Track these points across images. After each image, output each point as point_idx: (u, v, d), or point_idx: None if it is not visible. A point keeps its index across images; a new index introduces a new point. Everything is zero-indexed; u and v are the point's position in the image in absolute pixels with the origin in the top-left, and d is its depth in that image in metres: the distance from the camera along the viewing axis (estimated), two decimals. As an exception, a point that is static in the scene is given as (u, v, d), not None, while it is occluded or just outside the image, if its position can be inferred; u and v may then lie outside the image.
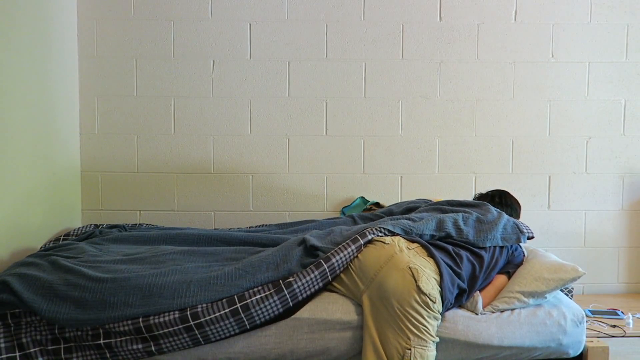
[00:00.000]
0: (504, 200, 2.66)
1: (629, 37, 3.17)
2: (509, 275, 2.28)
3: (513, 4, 3.14)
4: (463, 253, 2.18)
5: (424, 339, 1.95)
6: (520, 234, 2.32)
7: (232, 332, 1.99)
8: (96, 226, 2.79)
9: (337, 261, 2.10)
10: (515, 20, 3.15)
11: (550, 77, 3.17)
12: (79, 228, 2.75)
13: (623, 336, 2.54)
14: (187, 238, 2.59)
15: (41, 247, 2.56)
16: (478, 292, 2.17)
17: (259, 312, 2.00)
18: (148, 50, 3.10)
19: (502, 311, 2.15)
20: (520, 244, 2.38)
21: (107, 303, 1.97)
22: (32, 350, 1.97)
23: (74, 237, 2.66)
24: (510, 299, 2.15)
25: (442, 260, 2.10)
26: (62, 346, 1.98)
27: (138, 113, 3.13)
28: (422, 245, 2.14)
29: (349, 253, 2.12)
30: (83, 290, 2.00)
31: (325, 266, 2.09)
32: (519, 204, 2.68)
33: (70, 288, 2.00)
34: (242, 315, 1.98)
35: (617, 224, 3.24)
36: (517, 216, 2.66)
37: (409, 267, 2.01)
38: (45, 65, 2.73)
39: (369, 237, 2.16)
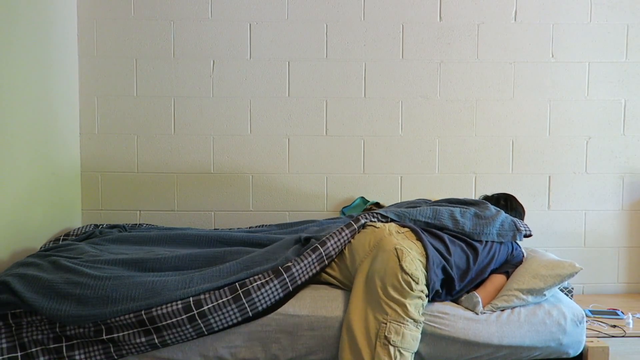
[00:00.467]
0: (509, 204, 2.65)
1: (629, 37, 3.17)
2: (508, 275, 2.29)
3: (513, 4, 3.14)
4: (457, 242, 2.21)
5: (401, 316, 1.97)
6: (516, 231, 2.33)
7: (235, 320, 2.00)
8: (96, 226, 2.79)
9: (331, 245, 2.18)
10: (515, 20, 3.15)
11: (550, 77, 3.17)
12: (79, 228, 2.75)
13: (623, 336, 2.54)
14: (187, 238, 2.59)
15: (41, 247, 2.56)
16: (476, 292, 2.18)
17: (260, 297, 2.02)
18: (148, 50, 3.10)
19: (502, 310, 2.16)
20: (519, 243, 2.39)
21: (109, 299, 1.97)
22: (33, 349, 1.96)
23: (73, 237, 2.66)
24: (509, 297, 2.16)
25: (432, 244, 2.14)
26: (64, 344, 1.98)
27: (138, 113, 3.13)
28: (412, 230, 2.19)
29: (343, 237, 2.20)
30: (84, 287, 2.00)
31: (321, 250, 2.16)
32: (523, 209, 2.68)
33: (71, 286, 2.00)
34: (244, 300, 1.99)
35: (617, 224, 3.24)
36: (521, 218, 2.66)
37: (395, 248, 2.05)
38: (45, 65, 2.72)
39: (362, 221, 2.25)
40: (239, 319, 2.00)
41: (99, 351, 1.98)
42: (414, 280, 1.99)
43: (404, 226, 2.21)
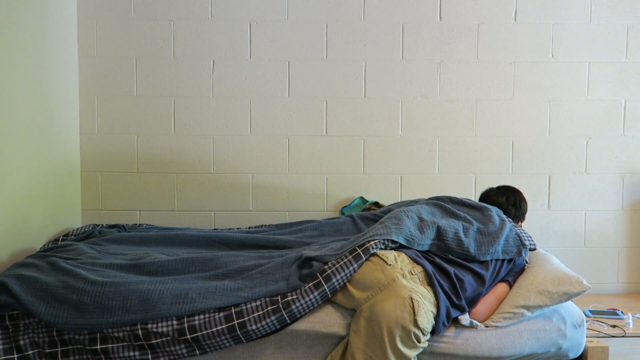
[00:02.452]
0: (517, 202, 2.60)
1: (629, 37, 3.17)
2: (510, 284, 2.23)
3: (513, 4, 3.14)
4: (466, 277, 2.13)
5: None
6: (522, 246, 2.27)
7: (228, 346, 1.99)
8: (95, 226, 2.78)
9: (337, 280, 2.04)
10: (515, 20, 3.15)
11: (550, 77, 3.17)
12: (78, 228, 2.75)
13: (623, 336, 2.54)
14: (186, 239, 2.59)
15: (41, 248, 2.56)
16: (465, 316, 2.12)
17: (256, 330, 1.98)
18: (148, 50, 3.10)
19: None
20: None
21: (105, 307, 1.96)
22: (29, 352, 1.96)
23: (73, 237, 2.65)
24: (516, 315, 2.09)
25: (443, 287, 2.07)
26: (59, 349, 1.97)
27: (138, 113, 3.13)
28: (426, 272, 2.08)
29: (350, 271, 2.06)
30: (82, 293, 1.98)
31: (325, 286, 2.03)
32: (527, 206, 2.65)
33: (69, 291, 1.99)
34: (239, 332, 1.96)
35: (617, 224, 3.24)
36: (523, 217, 2.63)
37: (411, 298, 1.97)
38: (45, 66, 2.72)
39: (372, 252, 2.11)
40: (232, 345, 1.99)
41: None
42: (423, 334, 1.96)
43: (417, 263, 2.10)
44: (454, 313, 2.07)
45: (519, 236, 2.30)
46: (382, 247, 2.13)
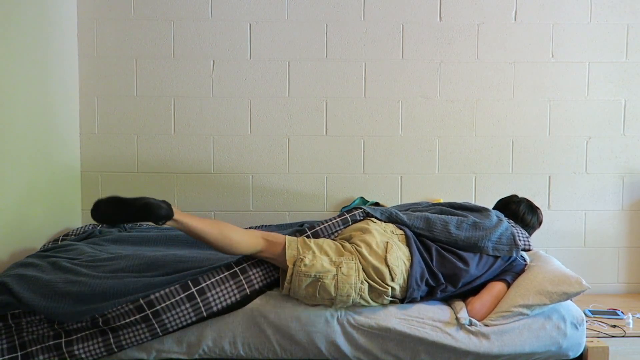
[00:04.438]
0: (532, 213, 2.56)
1: (629, 37, 3.17)
2: (508, 283, 2.22)
3: (513, 4, 3.14)
4: (447, 255, 2.18)
5: (358, 273, 2.03)
6: (514, 246, 2.25)
7: (189, 320, 2.00)
8: (95, 226, 2.78)
9: (324, 237, 2.24)
10: (515, 20, 3.15)
11: (550, 77, 3.17)
12: (78, 228, 2.75)
13: (623, 336, 2.54)
14: (186, 239, 2.58)
15: (41, 248, 2.56)
16: (464, 314, 2.13)
17: (215, 297, 2.02)
18: (148, 50, 3.10)
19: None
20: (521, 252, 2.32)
21: (106, 294, 1.99)
22: (32, 348, 1.97)
23: (73, 237, 2.65)
24: (514, 314, 2.10)
25: (421, 254, 2.15)
26: (63, 340, 1.99)
27: (138, 113, 3.13)
28: (406, 235, 2.21)
29: (337, 229, 2.26)
30: (82, 285, 2.01)
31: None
32: (540, 219, 2.60)
33: (70, 285, 2.01)
34: (199, 300, 2.00)
35: (617, 224, 3.23)
36: (533, 229, 2.59)
37: (386, 242, 2.10)
38: (45, 65, 2.72)
39: (358, 218, 2.30)
40: (193, 319, 2.01)
41: (98, 344, 1.99)
42: (391, 274, 2.03)
43: (400, 229, 2.24)
44: (430, 280, 2.13)
45: (514, 236, 2.28)
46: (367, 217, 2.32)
